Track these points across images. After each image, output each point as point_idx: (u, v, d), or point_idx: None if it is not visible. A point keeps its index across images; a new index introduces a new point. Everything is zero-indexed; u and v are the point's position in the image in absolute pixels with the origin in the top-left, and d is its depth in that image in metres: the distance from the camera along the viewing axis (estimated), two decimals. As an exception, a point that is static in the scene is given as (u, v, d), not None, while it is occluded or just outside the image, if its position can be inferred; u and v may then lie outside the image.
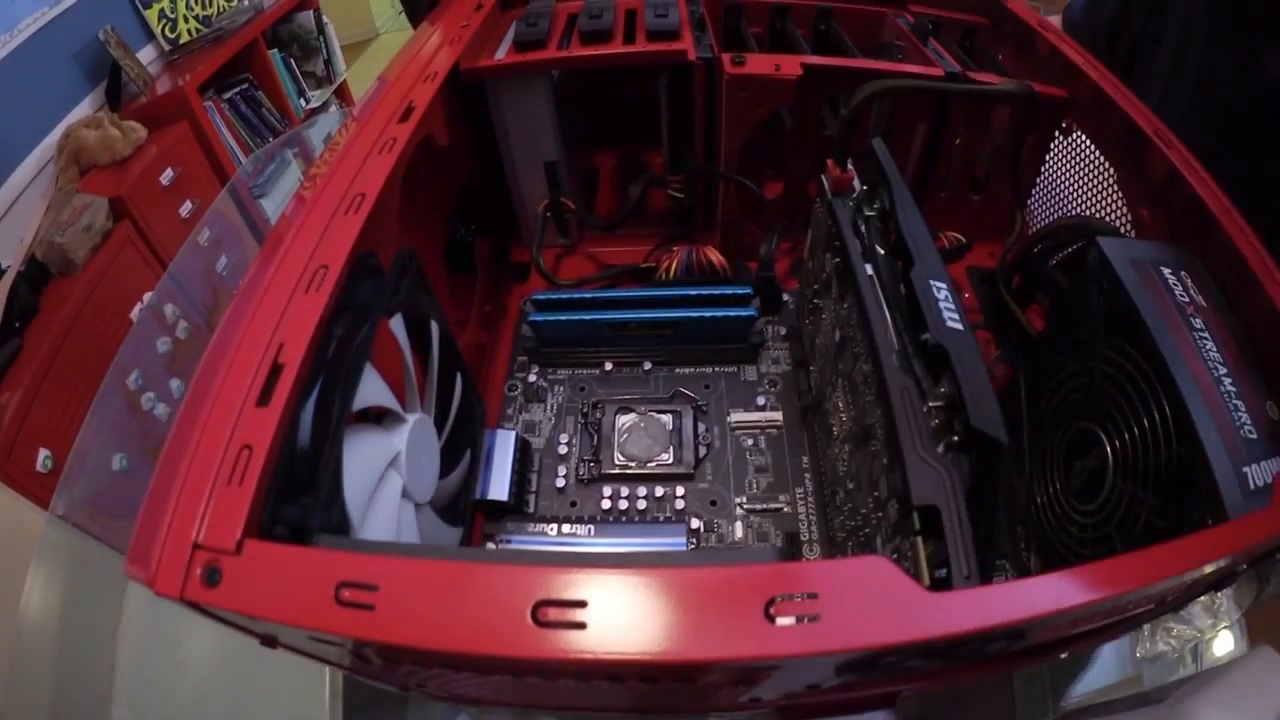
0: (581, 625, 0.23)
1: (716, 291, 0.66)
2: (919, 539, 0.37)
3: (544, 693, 0.38)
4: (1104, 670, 0.67)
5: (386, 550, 0.27)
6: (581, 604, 0.23)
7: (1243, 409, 0.41)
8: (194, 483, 0.29)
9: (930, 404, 0.41)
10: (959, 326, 0.42)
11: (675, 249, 0.74)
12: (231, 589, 0.26)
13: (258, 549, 0.27)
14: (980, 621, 0.25)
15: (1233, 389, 0.41)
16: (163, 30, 2.19)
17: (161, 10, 2.17)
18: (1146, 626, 0.68)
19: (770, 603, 0.24)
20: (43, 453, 1.35)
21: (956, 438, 0.39)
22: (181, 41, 2.23)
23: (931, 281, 0.44)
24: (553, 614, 0.23)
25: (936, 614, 0.25)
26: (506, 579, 0.24)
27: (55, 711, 0.67)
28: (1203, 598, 0.68)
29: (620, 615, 0.23)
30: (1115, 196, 0.63)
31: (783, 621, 0.24)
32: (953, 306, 0.43)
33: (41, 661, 0.70)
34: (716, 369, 0.68)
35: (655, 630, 0.23)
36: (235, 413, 0.30)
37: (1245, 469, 0.38)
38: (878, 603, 0.24)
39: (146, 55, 2.15)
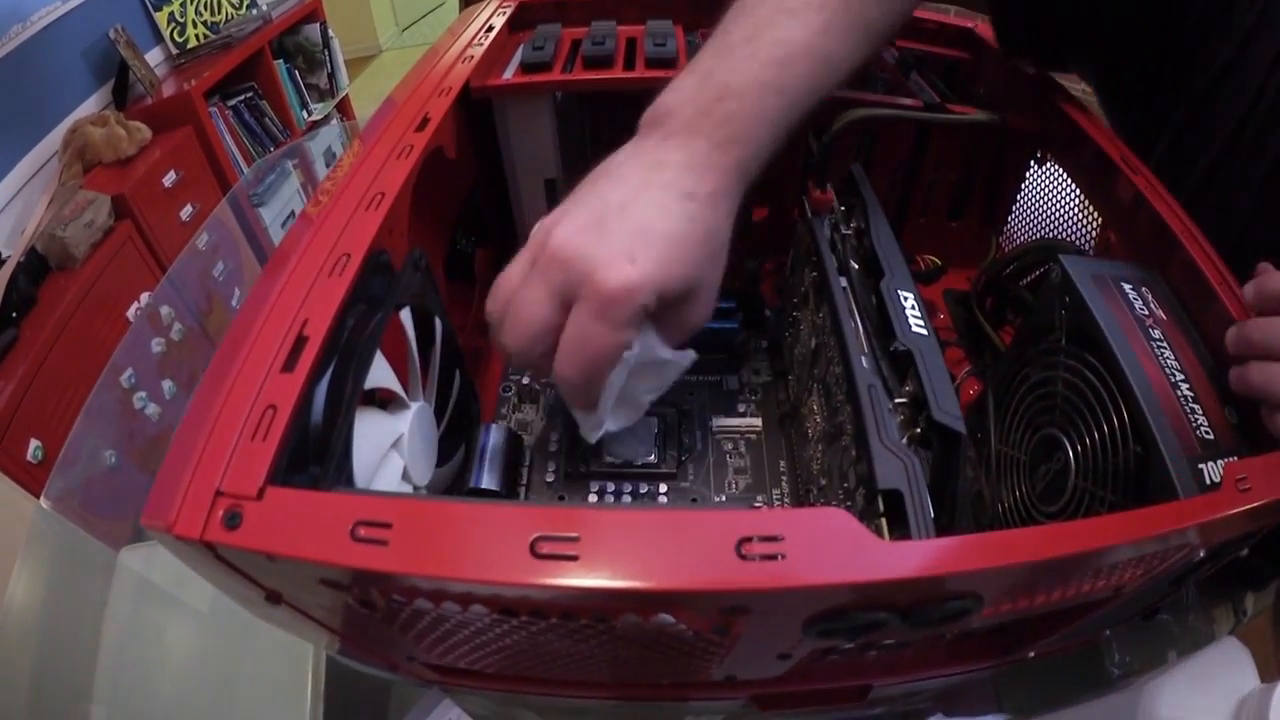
0: (574, 558, 0.26)
1: (702, 305, 0.69)
2: (883, 520, 0.39)
3: (531, 660, 0.40)
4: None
5: (398, 496, 0.30)
6: (574, 539, 0.26)
7: (1200, 412, 0.42)
8: (219, 438, 0.31)
9: (896, 400, 0.44)
10: (923, 331, 0.45)
11: (666, 266, 0.76)
12: (252, 530, 0.28)
13: (279, 494, 0.29)
14: (932, 567, 0.28)
15: (1190, 394, 0.43)
16: (171, 34, 2.22)
17: (171, 14, 2.21)
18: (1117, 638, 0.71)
19: (741, 542, 0.27)
20: (34, 443, 1.36)
21: (919, 430, 0.43)
22: (189, 46, 2.27)
23: (899, 291, 0.48)
24: (548, 547, 0.26)
25: (889, 557, 0.28)
26: (509, 517, 0.27)
27: (33, 704, 0.67)
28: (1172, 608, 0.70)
29: (609, 549, 0.26)
30: (1086, 221, 0.65)
31: (751, 559, 0.26)
32: (918, 314, 0.46)
33: (23, 651, 0.70)
34: (700, 378, 0.70)
35: (640, 562, 0.26)
36: (262, 376, 0.33)
37: (1201, 465, 0.40)
38: (835, 546, 0.27)
39: (154, 57, 2.19)
